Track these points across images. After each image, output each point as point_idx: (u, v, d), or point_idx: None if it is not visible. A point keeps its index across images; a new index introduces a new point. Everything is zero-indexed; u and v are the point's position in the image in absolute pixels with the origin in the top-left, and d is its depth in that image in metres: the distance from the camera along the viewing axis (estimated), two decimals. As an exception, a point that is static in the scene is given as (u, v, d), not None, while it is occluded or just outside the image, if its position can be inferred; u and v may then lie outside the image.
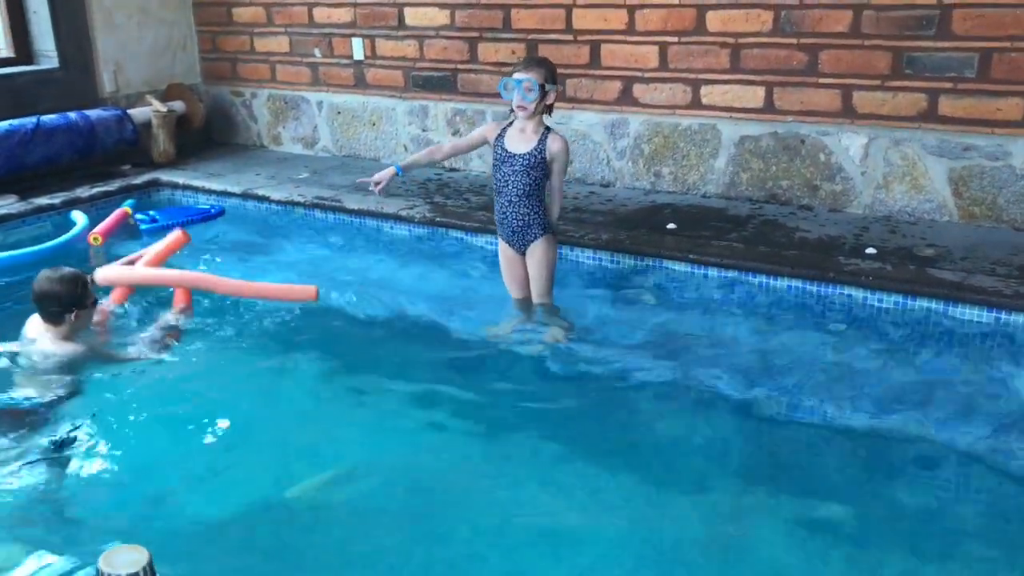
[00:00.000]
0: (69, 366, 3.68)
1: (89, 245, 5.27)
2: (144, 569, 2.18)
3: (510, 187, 4.15)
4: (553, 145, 4.09)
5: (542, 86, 4.01)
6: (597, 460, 3.28)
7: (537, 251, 4.23)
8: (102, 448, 3.33)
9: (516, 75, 4.04)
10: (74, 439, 3.32)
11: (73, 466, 3.23)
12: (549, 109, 4.15)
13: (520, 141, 4.13)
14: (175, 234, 4.61)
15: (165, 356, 3.91)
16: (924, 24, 4.82)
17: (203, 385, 3.77)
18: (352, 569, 2.80)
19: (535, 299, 4.33)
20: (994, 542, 2.85)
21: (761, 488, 3.12)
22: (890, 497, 3.07)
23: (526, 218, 4.17)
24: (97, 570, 2.16)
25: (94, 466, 3.25)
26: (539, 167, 4.10)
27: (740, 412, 3.57)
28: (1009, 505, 3.05)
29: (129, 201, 5.96)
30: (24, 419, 3.40)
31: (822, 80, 5.17)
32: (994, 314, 4.03)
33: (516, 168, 4.11)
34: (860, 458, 3.33)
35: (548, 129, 4.14)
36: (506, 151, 4.13)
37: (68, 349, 3.71)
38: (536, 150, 4.08)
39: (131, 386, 3.70)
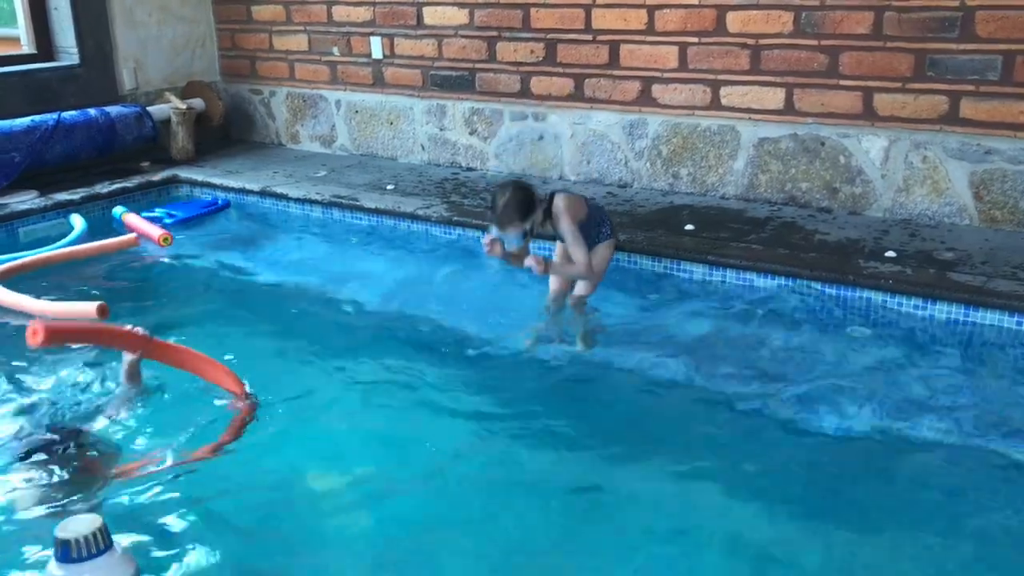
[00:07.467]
0: None
1: (160, 247, 5.35)
2: (96, 532, 2.22)
3: None
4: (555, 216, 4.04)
5: (524, 230, 3.94)
6: (620, 460, 3.28)
7: (599, 251, 4.27)
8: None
9: (494, 232, 3.95)
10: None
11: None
12: (546, 214, 4.04)
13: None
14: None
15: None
16: (947, 26, 4.79)
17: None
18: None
19: (577, 289, 4.32)
20: None
21: (779, 490, 3.11)
22: (906, 504, 3.05)
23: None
24: (55, 538, 2.21)
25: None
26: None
27: (757, 416, 3.55)
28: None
29: (120, 208, 5.94)
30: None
31: (843, 82, 5.14)
32: (1015, 318, 4.00)
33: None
34: (865, 459, 3.30)
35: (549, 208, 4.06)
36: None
37: None
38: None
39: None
